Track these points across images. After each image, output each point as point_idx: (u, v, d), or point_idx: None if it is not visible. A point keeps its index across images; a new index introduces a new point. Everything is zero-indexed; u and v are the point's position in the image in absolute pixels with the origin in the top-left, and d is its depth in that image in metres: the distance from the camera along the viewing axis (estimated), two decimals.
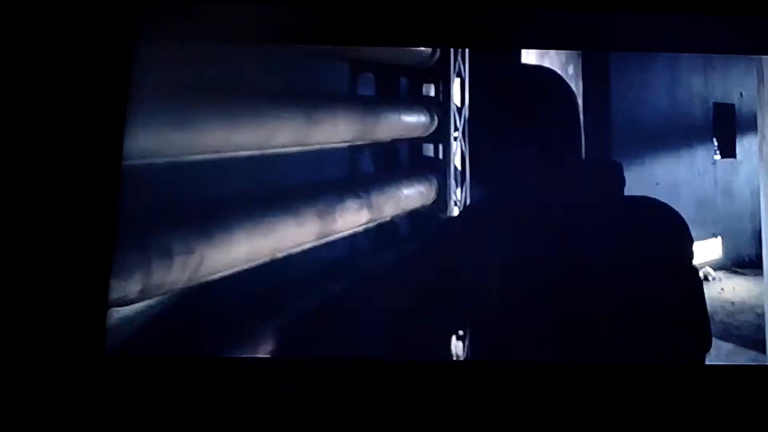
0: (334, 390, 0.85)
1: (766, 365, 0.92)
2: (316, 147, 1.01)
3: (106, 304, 0.83)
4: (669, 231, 0.92)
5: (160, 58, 0.91)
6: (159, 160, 0.89)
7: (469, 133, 1.02)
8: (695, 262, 0.92)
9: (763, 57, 0.98)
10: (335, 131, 1.01)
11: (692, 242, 0.91)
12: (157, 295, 0.86)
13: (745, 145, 1.03)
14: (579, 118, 0.96)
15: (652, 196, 0.93)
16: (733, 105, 1.03)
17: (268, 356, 0.89)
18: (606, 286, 0.89)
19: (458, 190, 1.04)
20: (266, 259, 0.92)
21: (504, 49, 1.00)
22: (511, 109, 0.96)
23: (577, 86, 1.00)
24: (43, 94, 0.87)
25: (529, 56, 1.01)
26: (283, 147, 0.97)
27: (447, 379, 0.87)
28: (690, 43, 0.98)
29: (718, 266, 1.02)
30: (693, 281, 0.93)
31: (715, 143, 1.05)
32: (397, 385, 0.86)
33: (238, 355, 0.88)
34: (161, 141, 0.89)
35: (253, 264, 0.91)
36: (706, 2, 0.95)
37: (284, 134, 0.97)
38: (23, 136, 0.86)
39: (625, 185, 0.93)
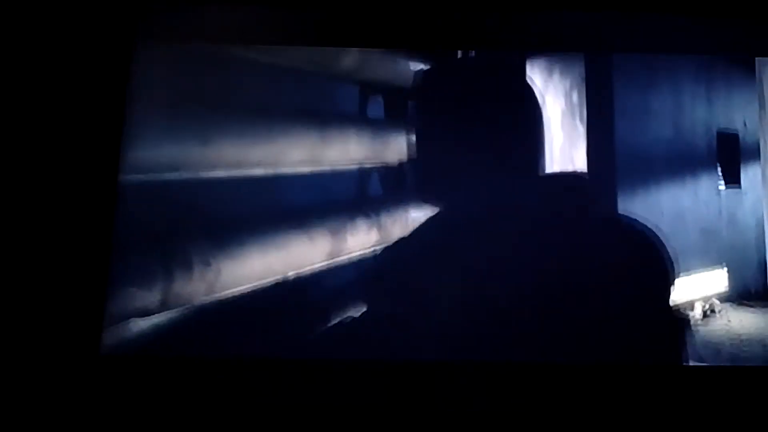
0: (334, 390, 0.85)
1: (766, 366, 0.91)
2: (328, 168, 1.00)
3: (103, 305, 0.84)
4: (637, 256, 0.89)
5: (169, 72, 0.92)
6: (181, 175, 0.90)
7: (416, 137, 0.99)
8: (673, 300, 0.91)
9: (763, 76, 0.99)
10: (346, 151, 1.01)
11: (668, 277, 0.90)
12: (177, 307, 0.86)
13: (750, 175, 1.03)
14: (541, 126, 0.94)
15: (631, 216, 0.93)
16: (736, 134, 1.04)
17: (266, 356, 0.88)
18: (560, 311, 0.87)
19: None
20: (278, 277, 0.92)
21: (505, 50, 1.00)
22: (462, 110, 0.94)
23: (581, 113, 1.00)
24: (42, 102, 0.87)
25: (535, 81, 1.01)
26: (296, 165, 0.97)
27: (446, 380, 0.86)
28: (691, 44, 0.98)
29: (724, 298, 1.00)
30: (666, 320, 0.90)
31: (720, 172, 1.05)
32: (397, 386, 0.85)
33: (236, 356, 0.88)
34: (181, 155, 0.91)
35: (266, 281, 0.92)
36: (706, 4, 0.96)
37: (298, 152, 0.97)
38: (22, 139, 0.86)
39: (592, 202, 0.92)
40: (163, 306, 0.85)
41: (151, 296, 0.84)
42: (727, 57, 1.02)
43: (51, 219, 0.85)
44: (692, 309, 0.99)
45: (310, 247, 0.95)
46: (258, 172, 0.94)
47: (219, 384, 0.84)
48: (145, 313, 0.85)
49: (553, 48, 0.99)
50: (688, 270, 1.00)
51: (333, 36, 0.96)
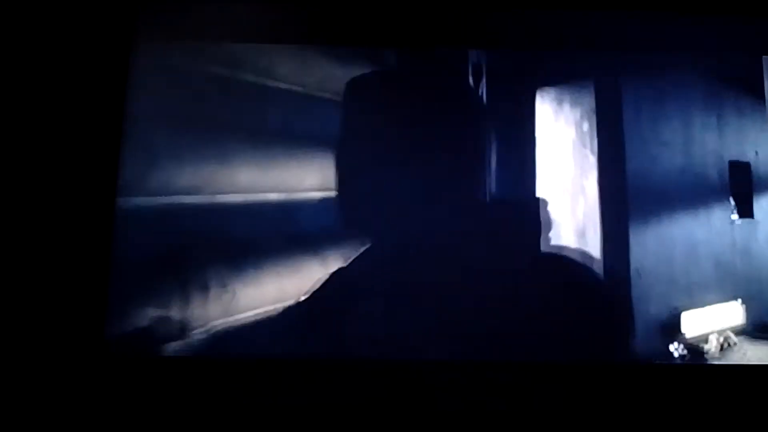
0: (335, 389, 0.84)
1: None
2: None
3: (107, 305, 0.84)
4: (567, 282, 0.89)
5: (181, 92, 0.93)
6: (198, 199, 0.91)
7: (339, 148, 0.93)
8: None
9: None
10: None
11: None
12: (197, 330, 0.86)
13: (763, 205, 1.02)
14: (483, 144, 0.89)
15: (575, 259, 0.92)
16: (748, 163, 1.03)
17: (269, 356, 0.87)
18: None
19: None
20: (292, 301, 0.91)
21: (507, 48, 0.99)
22: (390, 120, 0.89)
23: (591, 144, 1.00)
24: (40, 104, 0.88)
25: (545, 112, 1.02)
26: (309, 191, 0.97)
27: (445, 378, 0.86)
28: (697, 42, 0.98)
29: (739, 331, 0.99)
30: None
31: (732, 203, 1.04)
32: (394, 384, 0.85)
33: (238, 354, 0.87)
34: (195, 177, 0.91)
35: (281, 306, 0.91)
36: (713, 2, 0.96)
37: (312, 177, 0.97)
38: (21, 138, 0.87)
39: (540, 233, 0.91)
40: (181, 330, 0.85)
41: (168, 321, 0.84)
42: (738, 77, 1.02)
43: (54, 217, 0.85)
44: (708, 342, 0.97)
45: (323, 272, 0.94)
46: (272, 197, 0.94)
47: (220, 383, 0.84)
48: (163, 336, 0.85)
49: (556, 46, 0.98)
50: (703, 303, 0.99)
51: (336, 33, 0.95)
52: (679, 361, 0.94)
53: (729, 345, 0.98)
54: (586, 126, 1.01)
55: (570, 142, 1.01)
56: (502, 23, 0.96)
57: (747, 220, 1.03)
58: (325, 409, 0.83)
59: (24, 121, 0.87)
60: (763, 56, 1.01)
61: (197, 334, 0.87)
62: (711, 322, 0.98)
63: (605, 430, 0.84)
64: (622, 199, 0.99)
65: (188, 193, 0.91)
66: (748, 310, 0.99)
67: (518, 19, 0.96)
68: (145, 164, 0.90)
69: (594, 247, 1.00)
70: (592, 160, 1.00)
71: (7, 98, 0.86)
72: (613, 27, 0.98)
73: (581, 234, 1.01)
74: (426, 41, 0.96)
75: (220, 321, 0.88)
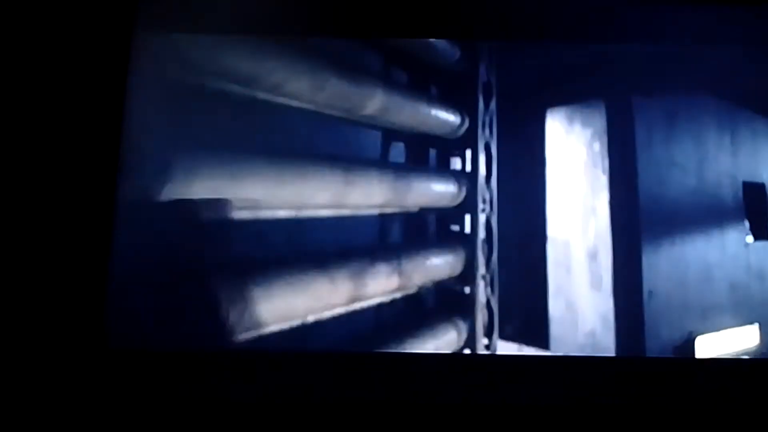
0: (338, 384, 0.83)
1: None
2: (350, 212, 1.00)
3: (106, 299, 0.83)
4: None
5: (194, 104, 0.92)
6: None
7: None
8: None
9: None
10: (369, 194, 1.00)
11: None
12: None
13: None
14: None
15: None
16: (763, 184, 1.02)
17: (274, 350, 0.87)
18: None
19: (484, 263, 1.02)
20: (299, 320, 0.91)
21: (506, 41, 0.98)
22: None
23: (603, 164, 1.00)
24: (38, 100, 0.87)
25: (556, 131, 1.02)
26: (321, 207, 0.98)
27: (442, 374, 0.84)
28: (703, 34, 0.95)
29: (755, 355, 0.97)
30: None
31: (747, 225, 1.03)
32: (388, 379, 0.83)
33: (241, 349, 0.86)
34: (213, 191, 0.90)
35: (288, 324, 0.91)
36: None
37: (324, 194, 0.97)
38: (19, 134, 0.86)
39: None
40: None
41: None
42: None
43: (52, 213, 0.85)
44: None
45: (332, 291, 0.94)
46: (281, 213, 0.94)
47: (221, 377, 0.83)
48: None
49: (557, 40, 0.96)
50: (717, 326, 0.97)
51: (339, 27, 0.93)
52: None
53: None
54: (597, 146, 1.00)
55: (581, 162, 1.01)
56: (503, 20, 0.95)
57: (762, 242, 1.02)
58: (330, 404, 0.82)
59: (22, 115, 0.86)
60: None
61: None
62: (726, 346, 0.97)
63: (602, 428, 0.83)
64: (635, 220, 0.98)
65: (189, 192, 0.90)
66: (763, 333, 0.97)
67: (521, 16, 0.95)
68: (145, 162, 0.89)
69: (606, 268, 0.99)
70: (604, 180, 0.99)
71: (4, 92, 0.86)
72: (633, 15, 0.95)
73: (593, 255, 1.00)
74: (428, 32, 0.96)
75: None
